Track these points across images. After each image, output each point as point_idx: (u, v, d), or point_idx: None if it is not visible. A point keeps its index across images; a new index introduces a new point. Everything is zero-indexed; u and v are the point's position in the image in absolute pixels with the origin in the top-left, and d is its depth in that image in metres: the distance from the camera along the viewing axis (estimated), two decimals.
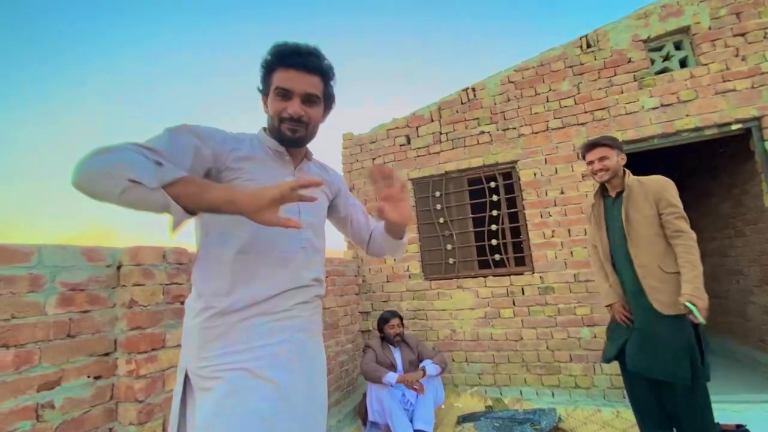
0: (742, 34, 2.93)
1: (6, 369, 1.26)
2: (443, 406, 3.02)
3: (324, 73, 0.99)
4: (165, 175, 0.72)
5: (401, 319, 3.04)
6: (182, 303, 1.78)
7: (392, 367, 2.81)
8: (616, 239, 2.04)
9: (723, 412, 2.41)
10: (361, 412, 2.85)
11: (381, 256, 1.27)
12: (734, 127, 2.91)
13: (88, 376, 1.49)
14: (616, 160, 2.01)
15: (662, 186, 1.92)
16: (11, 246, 1.33)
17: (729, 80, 2.91)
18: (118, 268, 1.64)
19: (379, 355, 2.84)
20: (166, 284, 1.73)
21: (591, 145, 2.05)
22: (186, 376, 0.92)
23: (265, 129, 1.04)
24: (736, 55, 2.93)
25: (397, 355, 2.90)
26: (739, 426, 2.21)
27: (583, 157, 2.12)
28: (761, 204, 2.98)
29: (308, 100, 0.97)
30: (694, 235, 1.86)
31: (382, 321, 3.00)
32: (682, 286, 1.79)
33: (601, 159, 2.01)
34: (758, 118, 2.83)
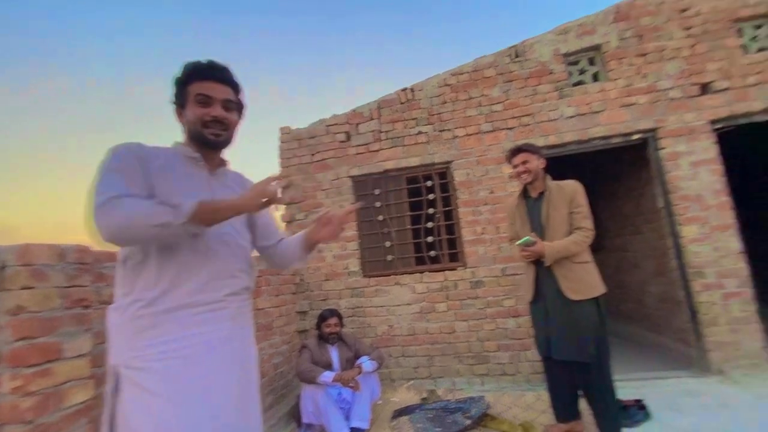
0: (643, 55, 3.34)
1: None
2: (380, 402, 3.05)
3: (236, 85, 1.13)
4: (184, 211, 0.88)
5: (340, 317, 3.00)
6: (85, 308, 1.57)
7: (329, 367, 2.76)
8: (536, 234, 2.28)
9: (623, 389, 2.71)
10: (296, 414, 2.77)
11: (282, 267, 1.40)
12: (635, 136, 3.30)
13: None
14: (537, 164, 2.27)
15: (575, 189, 2.23)
16: None
17: (632, 95, 3.30)
18: (2, 269, 1.40)
19: (315, 355, 2.78)
20: (65, 287, 1.52)
21: (515, 151, 2.31)
22: (118, 373, 0.95)
23: (177, 143, 1.14)
24: (638, 73, 3.33)
25: (334, 354, 2.86)
26: (637, 401, 2.50)
27: (509, 161, 2.36)
28: (655, 205, 3.42)
29: (227, 106, 1.10)
30: (591, 233, 2.17)
31: (321, 319, 2.94)
32: (553, 243, 2.12)
33: (524, 162, 2.26)
34: (654, 130, 3.24)
